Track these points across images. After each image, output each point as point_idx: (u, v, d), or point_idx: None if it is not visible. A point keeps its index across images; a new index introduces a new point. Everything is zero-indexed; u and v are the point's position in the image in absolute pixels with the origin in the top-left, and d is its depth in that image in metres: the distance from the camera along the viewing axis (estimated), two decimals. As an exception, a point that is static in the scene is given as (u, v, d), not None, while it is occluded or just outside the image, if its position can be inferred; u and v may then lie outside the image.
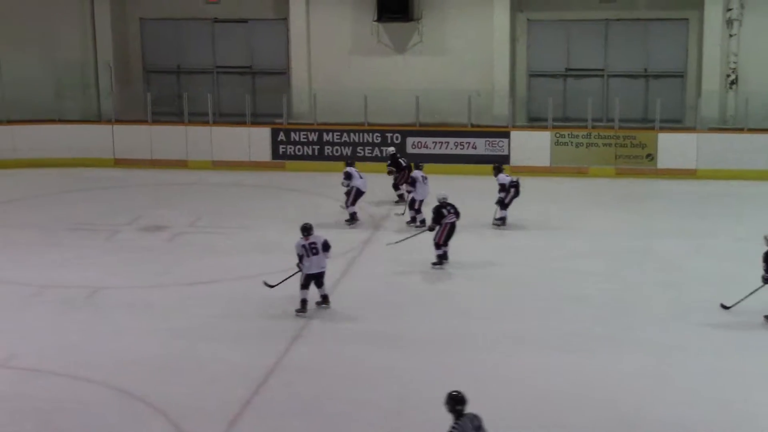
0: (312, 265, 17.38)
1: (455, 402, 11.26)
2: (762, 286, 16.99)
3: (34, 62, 29.16)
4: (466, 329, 16.96)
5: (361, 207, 23.70)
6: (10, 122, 28.49)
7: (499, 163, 24.12)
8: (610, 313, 17.68)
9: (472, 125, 27.72)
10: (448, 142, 27.67)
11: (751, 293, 17.21)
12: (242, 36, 30.33)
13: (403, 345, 16.34)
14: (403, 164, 24.53)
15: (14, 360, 15.90)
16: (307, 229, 17.40)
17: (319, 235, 17.50)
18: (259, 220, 23.34)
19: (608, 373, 15.21)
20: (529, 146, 27.55)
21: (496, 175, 22.77)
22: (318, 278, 17.51)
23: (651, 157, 27.19)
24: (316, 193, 25.36)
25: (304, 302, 17.53)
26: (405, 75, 28.87)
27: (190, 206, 24.43)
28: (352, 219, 22.83)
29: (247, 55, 30.42)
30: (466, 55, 28.70)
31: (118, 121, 28.78)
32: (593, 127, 27.51)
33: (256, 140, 27.85)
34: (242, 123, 28.38)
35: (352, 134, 27.99)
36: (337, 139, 28.07)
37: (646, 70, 28.93)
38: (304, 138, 28.16)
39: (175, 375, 15.46)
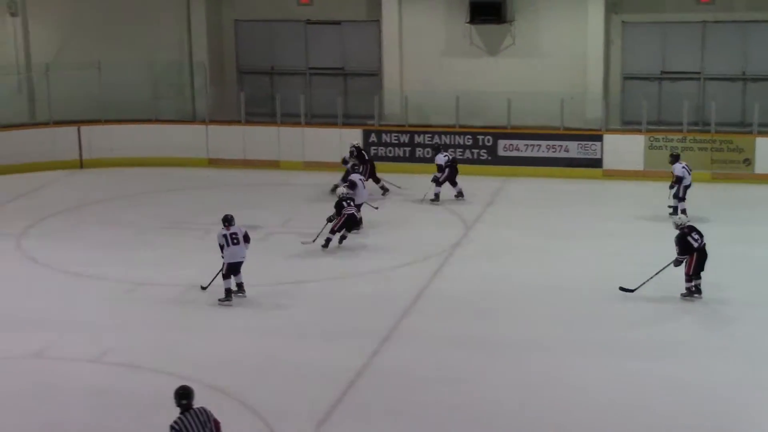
0: (233, 255, 18.07)
1: (180, 397, 11.71)
2: (667, 266, 17.93)
3: (131, 64, 29.66)
4: (555, 334, 16.90)
5: (452, 210, 23.79)
6: (108, 122, 29.03)
7: (438, 144, 26.27)
8: (699, 320, 17.48)
9: (565, 128, 27.56)
10: (539, 145, 27.54)
11: (657, 273, 17.96)
12: (335, 37, 30.51)
13: (494, 349, 16.32)
14: (366, 158, 25.12)
15: (109, 355, 16.23)
16: (228, 220, 18.16)
17: (240, 226, 18.22)
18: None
19: (705, 381, 15.05)
20: (623, 150, 27.29)
21: (434, 155, 25.00)
22: (237, 267, 18.15)
23: (748, 161, 26.76)
24: (407, 194, 25.41)
25: (228, 291, 18.19)
26: (497, 77, 28.80)
27: (281, 206, 24.66)
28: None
29: (339, 56, 30.61)
30: (559, 57, 28.53)
31: (212, 122, 29.16)
32: (688, 131, 27.17)
33: (348, 141, 27.98)
34: (334, 124, 28.57)
35: (443, 136, 28.00)
36: (428, 140, 28.09)
37: (744, 72, 28.47)
38: (395, 139, 28.25)
39: (266, 374, 15.66)
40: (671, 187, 23.35)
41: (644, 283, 18.14)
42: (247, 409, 14.44)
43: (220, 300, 18.17)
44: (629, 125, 28.38)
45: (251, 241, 18.50)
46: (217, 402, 14.64)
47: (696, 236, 17.94)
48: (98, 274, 20.04)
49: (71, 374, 15.69)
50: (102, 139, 28.75)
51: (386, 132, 28.41)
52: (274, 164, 28.10)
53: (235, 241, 18.08)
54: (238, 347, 16.63)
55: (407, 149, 28.10)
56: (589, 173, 27.04)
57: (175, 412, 14.26)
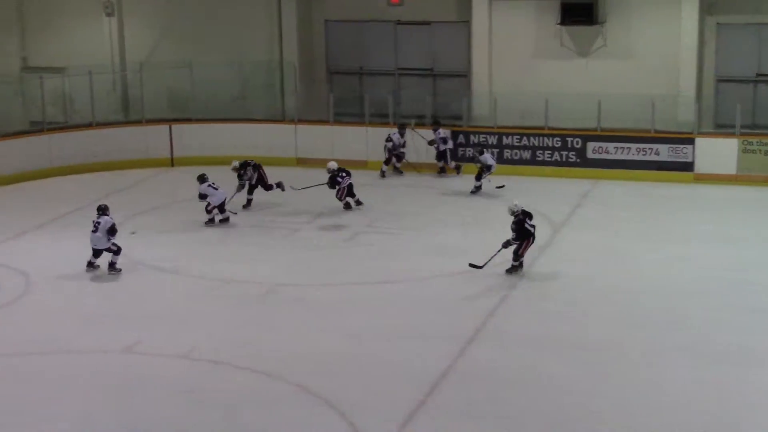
0: (91, 240, 19.99)
1: None
2: (501, 250, 19.41)
3: (222, 63, 30.03)
4: (642, 338, 16.75)
5: (540, 212, 23.67)
6: (198, 120, 29.42)
7: (481, 145, 27.33)
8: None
9: (656, 131, 27.24)
10: (629, 148, 27.25)
11: (497, 253, 19.38)
12: (424, 38, 30.52)
13: (580, 352, 16.24)
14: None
15: (195, 352, 16.46)
16: (99, 209, 20.08)
17: (108, 218, 19.88)
18: (435, 222, 23.49)
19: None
20: (715, 153, 26.89)
21: (480, 155, 25.92)
22: (94, 252, 20.11)
23: None
24: (494, 195, 25.35)
25: (89, 263, 20.19)
26: (587, 79, 28.56)
27: (368, 206, 24.75)
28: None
29: (428, 57, 30.60)
30: (651, 59, 28.20)
31: (301, 121, 29.37)
32: (784, 135, 26.71)
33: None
34: (422, 125, 28.59)
35: (531, 138, 27.88)
36: (517, 142, 27.99)
37: (844, 74, 27.89)
38: (483, 141, 28.18)
39: (351, 373, 15.75)
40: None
41: (490, 259, 19.43)
42: (331, 408, 14.54)
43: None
44: (722, 128, 27.93)
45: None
46: (302, 400, 14.83)
47: (532, 222, 19.61)
48: (187, 271, 20.34)
49: (159, 370, 15.95)
50: (192, 137, 29.14)
51: (474, 133, 28.35)
52: (362, 164, 28.19)
53: (94, 229, 19.88)
54: (323, 346, 16.75)
55: (495, 151, 27.99)
56: (680, 177, 26.69)
57: (258, 409, 14.48)
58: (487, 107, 29.01)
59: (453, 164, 27.67)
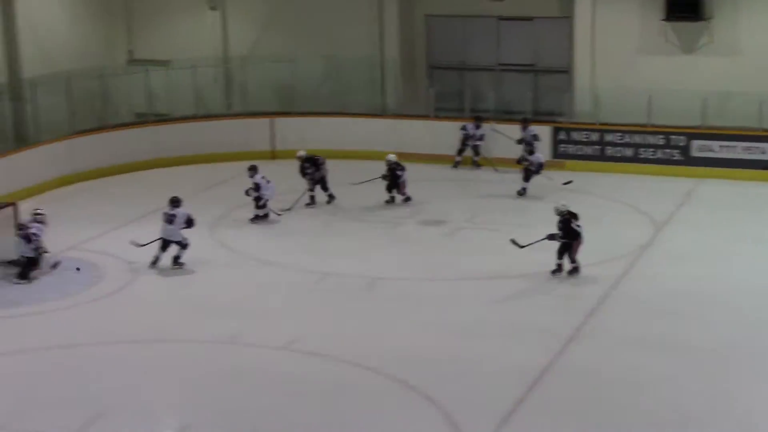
0: (162, 231, 20.05)
1: None
2: (543, 240, 19.35)
3: (324, 57, 30.22)
4: (745, 341, 16.50)
5: (642, 210, 23.45)
6: (299, 114, 29.63)
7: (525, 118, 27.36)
8: None
9: (763, 129, 26.72)
10: (735, 147, 26.77)
11: (539, 241, 19.35)
12: (526, 34, 30.32)
13: (681, 353, 16.05)
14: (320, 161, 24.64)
15: (297, 343, 16.61)
16: (172, 201, 20.15)
17: (183, 210, 20.07)
18: (535, 219, 23.33)
19: None
20: (825, 152, 26.34)
21: (530, 155, 25.41)
22: (165, 244, 20.08)
23: None
24: (596, 193, 25.14)
25: (156, 258, 20.13)
26: (691, 76, 28.10)
27: (468, 202, 24.72)
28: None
29: (530, 53, 30.40)
30: (759, 56, 27.63)
31: (401, 116, 29.41)
32: None
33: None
34: (523, 120, 28.40)
35: (634, 135, 27.55)
36: (619, 139, 27.68)
37: None
38: (585, 137, 27.94)
39: (450, 369, 15.76)
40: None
41: (533, 243, 19.50)
42: (430, 403, 14.58)
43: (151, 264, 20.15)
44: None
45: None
46: (401, 394, 14.88)
47: (578, 223, 19.31)
48: (288, 264, 20.52)
49: (261, 360, 16.14)
50: (293, 130, 29.35)
51: (576, 129, 28.11)
52: (463, 159, 28.16)
53: (170, 221, 19.97)
54: (422, 341, 16.79)
55: (597, 147, 27.74)
56: (788, 177, 26.18)
57: (358, 402, 14.57)
58: (588, 103, 28.74)
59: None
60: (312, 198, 24.29)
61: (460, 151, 27.87)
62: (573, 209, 19.43)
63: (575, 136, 28.03)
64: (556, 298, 18.65)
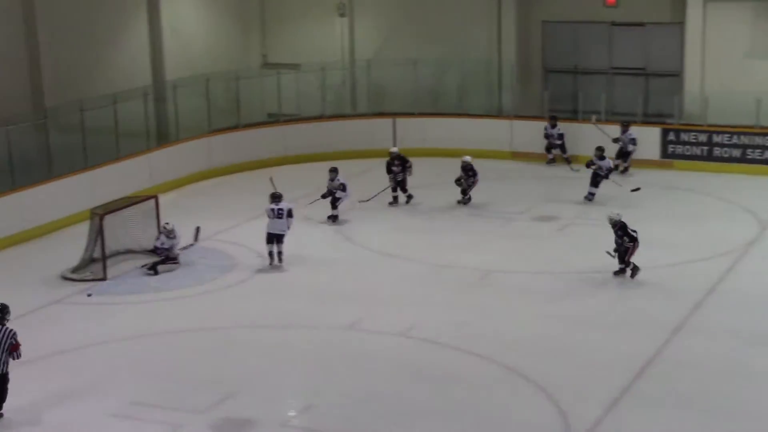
0: (273, 226, 19.86)
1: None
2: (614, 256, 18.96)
3: (444, 60, 30.24)
4: None
5: (747, 208, 22.93)
6: (420, 114, 29.65)
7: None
8: None
9: None
10: None
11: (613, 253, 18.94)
12: (638, 39, 29.86)
13: (786, 348, 15.68)
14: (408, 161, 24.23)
15: (414, 331, 16.69)
16: (275, 198, 19.97)
17: (286, 204, 19.99)
18: (646, 216, 23.00)
19: None
20: None
21: (601, 159, 24.15)
22: (278, 238, 19.91)
23: None
24: (704, 192, 24.66)
25: (270, 254, 20.00)
26: (801, 79, 27.37)
27: (579, 199, 24.45)
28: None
29: (641, 57, 29.94)
30: None
31: (517, 117, 29.25)
32: None
33: (645, 139, 27.39)
34: (633, 122, 28.00)
35: (742, 136, 26.93)
36: (727, 141, 27.08)
37: None
38: (693, 138, 27.40)
39: (559, 357, 15.68)
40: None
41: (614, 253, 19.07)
42: (539, 390, 14.53)
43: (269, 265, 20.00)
44: None
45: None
46: (512, 381, 14.86)
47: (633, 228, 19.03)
48: (406, 255, 20.60)
49: (379, 346, 16.26)
50: (415, 130, 29.42)
51: (685, 131, 27.59)
52: (572, 159, 27.89)
53: (279, 215, 19.85)
54: (533, 331, 16.73)
55: (705, 148, 27.18)
56: None
57: (470, 388, 14.59)
58: (698, 106, 28.17)
59: (622, 166, 26.62)
60: (395, 198, 24.09)
61: (547, 148, 27.84)
62: (625, 218, 19.18)
63: (684, 137, 27.50)
64: (663, 290, 18.37)
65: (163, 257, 19.83)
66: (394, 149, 24.59)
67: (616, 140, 26.63)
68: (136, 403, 14.16)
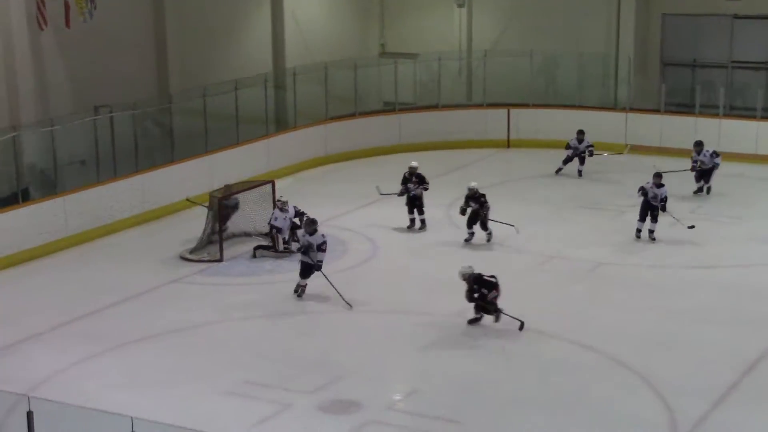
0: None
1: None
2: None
3: (561, 53, 30.01)
4: None
5: None
6: (535, 106, 29.43)
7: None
8: None
9: None
10: None
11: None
12: (761, 32, 29.15)
13: None
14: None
15: (521, 320, 16.63)
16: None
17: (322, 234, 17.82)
18: (758, 212, 22.55)
19: None
20: None
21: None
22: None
23: None
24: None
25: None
26: None
27: (690, 194, 24.00)
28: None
29: (764, 50, 29.21)
30: None
31: (633, 110, 28.86)
32: None
33: (764, 134, 26.76)
34: (752, 117, 27.39)
35: None
36: None
37: None
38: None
39: (667, 351, 15.49)
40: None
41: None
42: (645, 383, 14.39)
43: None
44: None
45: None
46: (617, 372, 14.74)
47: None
48: (516, 246, 20.52)
49: (485, 335, 16.26)
50: (529, 121, 29.26)
51: (805, 125, 26.87)
52: (689, 153, 27.39)
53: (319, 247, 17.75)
54: (641, 324, 16.56)
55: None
56: None
57: (573, 377, 14.51)
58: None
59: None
60: (412, 221, 21.76)
61: (566, 161, 25.62)
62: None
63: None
64: (776, 289, 18.03)
65: (270, 244, 20.01)
66: (415, 163, 22.07)
67: (693, 168, 24.16)
68: (248, 382, 14.45)
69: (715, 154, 23.88)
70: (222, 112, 25.14)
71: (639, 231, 20.54)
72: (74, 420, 11.66)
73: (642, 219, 20.32)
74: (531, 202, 23.53)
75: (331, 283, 17.44)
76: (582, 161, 25.46)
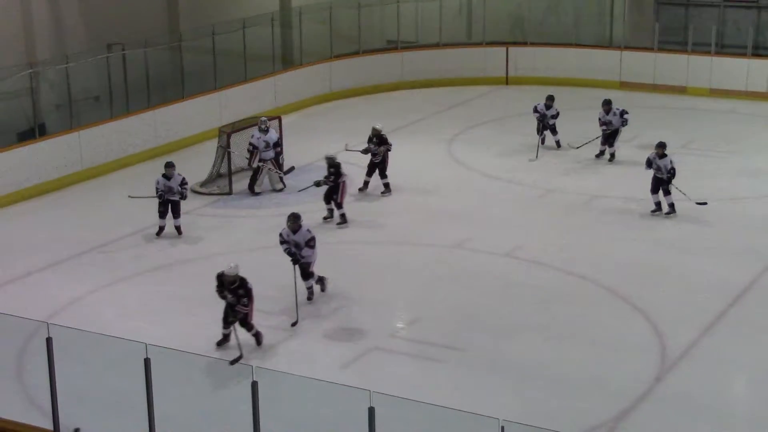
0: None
1: None
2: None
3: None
4: None
5: None
6: (533, 44, 29.10)
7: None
8: None
9: None
10: None
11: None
12: (752, -29, 28.72)
13: None
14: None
15: (519, 251, 16.62)
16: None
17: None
18: (749, 147, 22.38)
19: None
20: None
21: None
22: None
23: None
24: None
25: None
26: None
27: (685, 129, 23.85)
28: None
29: (755, -11, 28.81)
30: None
31: (627, 48, 28.52)
32: None
33: (755, 71, 26.48)
34: (743, 54, 27.08)
35: None
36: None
37: None
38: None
39: (656, 281, 15.47)
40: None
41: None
42: (637, 311, 14.37)
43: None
44: None
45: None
46: (610, 301, 14.72)
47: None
48: (514, 179, 20.42)
49: (485, 265, 16.23)
50: (526, 59, 28.94)
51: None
52: (680, 90, 27.17)
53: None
54: (633, 254, 16.53)
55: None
56: None
57: (570, 307, 14.46)
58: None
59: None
60: (365, 183, 19.83)
61: (540, 131, 22.24)
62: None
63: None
64: (763, 220, 17.88)
65: (254, 160, 19.54)
66: (379, 126, 19.82)
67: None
68: (256, 309, 14.41)
69: (624, 112, 21.37)
70: (230, 49, 24.88)
71: (657, 205, 18.18)
72: (91, 346, 11.66)
73: (654, 191, 18.18)
74: (532, 137, 23.29)
75: (296, 290, 14.50)
76: (554, 130, 22.14)
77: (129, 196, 17.69)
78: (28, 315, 12.84)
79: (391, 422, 9.33)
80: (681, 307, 14.50)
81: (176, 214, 17.50)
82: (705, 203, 18.27)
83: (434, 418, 10.06)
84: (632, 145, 22.53)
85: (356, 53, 28.37)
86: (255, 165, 19.71)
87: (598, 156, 21.59)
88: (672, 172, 17.98)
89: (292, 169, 19.95)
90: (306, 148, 22.01)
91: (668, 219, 17.94)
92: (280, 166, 20.10)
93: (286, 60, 27.84)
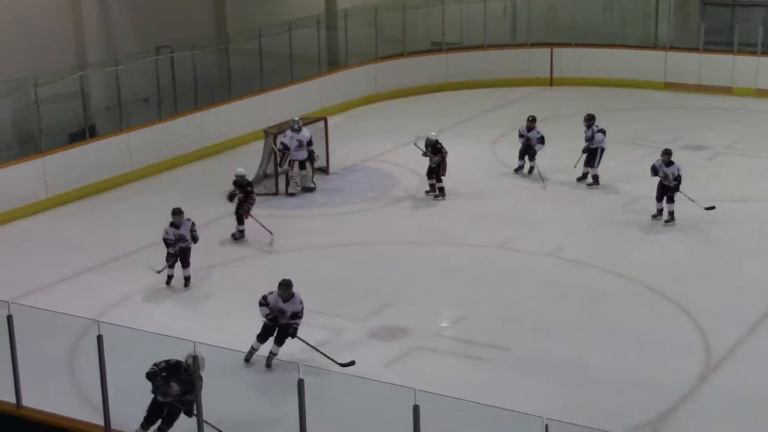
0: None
1: None
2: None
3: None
4: None
5: None
6: (577, 45, 28.98)
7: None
8: None
9: None
10: None
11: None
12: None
13: None
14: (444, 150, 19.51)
15: (561, 251, 16.61)
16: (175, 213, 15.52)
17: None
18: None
19: None
20: None
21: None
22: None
23: None
24: None
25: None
26: None
27: (730, 129, 23.67)
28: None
29: (805, -11, 28.52)
30: None
31: (672, 48, 28.33)
32: None
33: (801, 72, 26.26)
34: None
35: None
36: None
37: None
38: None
39: (702, 281, 15.39)
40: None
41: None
42: (680, 310, 14.32)
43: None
44: None
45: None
46: (654, 301, 14.66)
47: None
48: (558, 180, 20.35)
49: (529, 265, 16.24)
50: (571, 60, 28.85)
51: None
52: (726, 90, 26.94)
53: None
54: (677, 254, 16.44)
55: None
56: None
57: (613, 306, 14.43)
58: None
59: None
60: (431, 186, 19.64)
61: (522, 154, 20.91)
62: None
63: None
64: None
65: (286, 163, 19.69)
66: (433, 135, 19.74)
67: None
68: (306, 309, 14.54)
69: (603, 132, 19.97)
70: (276, 51, 25.06)
71: (659, 211, 17.83)
72: (140, 344, 11.84)
73: (659, 199, 17.79)
74: (576, 139, 23.20)
75: (313, 347, 13.13)
76: (532, 157, 20.60)
77: (149, 266, 15.94)
78: (79, 313, 13.05)
79: (435, 420, 9.41)
80: (725, 307, 14.44)
81: (185, 264, 15.62)
82: (713, 208, 17.92)
83: (478, 417, 10.12)
84: (676, 147, 22.35)
85: (401, 55, 28.43)
86: (284, 167, 19.87)
87: (579, 180, 20.16)
88: (678, 179, 17.51)
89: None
90: (351, 149, 22.12)
91: (711, 220, 17.79)
92: (313, 165, 20.22)
93: (332, 61, 27.96)
